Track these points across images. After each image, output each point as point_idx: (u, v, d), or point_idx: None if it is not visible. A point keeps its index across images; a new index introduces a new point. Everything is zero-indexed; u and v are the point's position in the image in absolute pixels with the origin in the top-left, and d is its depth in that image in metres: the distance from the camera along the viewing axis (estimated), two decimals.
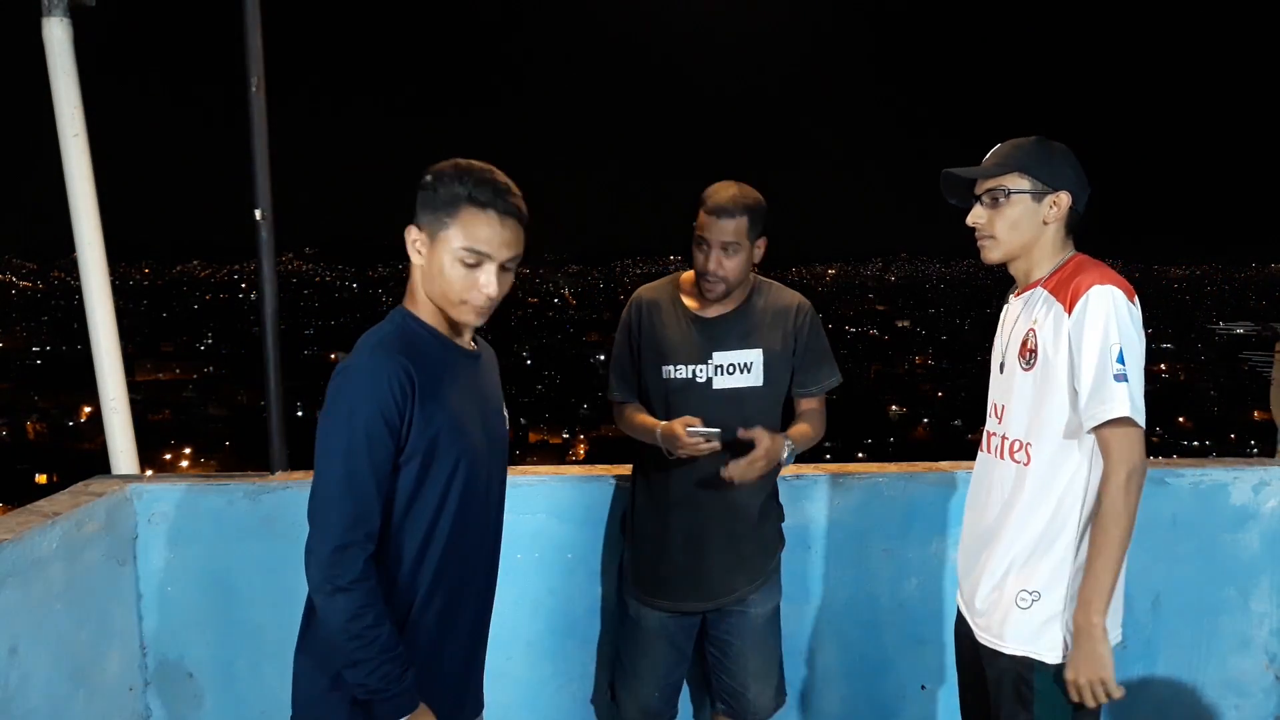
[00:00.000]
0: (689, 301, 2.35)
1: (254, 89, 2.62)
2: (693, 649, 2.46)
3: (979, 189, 1.87)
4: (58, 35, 2.53)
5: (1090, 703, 1.72)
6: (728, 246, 2.20)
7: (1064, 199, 1.81)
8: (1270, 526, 2.76)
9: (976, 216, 1.86)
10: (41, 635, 2.13)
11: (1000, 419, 1.89)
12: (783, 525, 2.47)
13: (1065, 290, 1.76)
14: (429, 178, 1.57)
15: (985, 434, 1.96)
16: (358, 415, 1.49)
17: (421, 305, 1.63)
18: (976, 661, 1.94)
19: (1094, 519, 1.72)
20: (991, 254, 1.87)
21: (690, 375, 2.29)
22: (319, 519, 1.50)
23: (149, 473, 2.72)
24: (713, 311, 2.32)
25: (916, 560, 2.72)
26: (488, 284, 1.56)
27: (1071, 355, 1.73)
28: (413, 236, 1.59)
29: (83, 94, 2.57)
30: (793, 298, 2.37)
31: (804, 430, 2.35)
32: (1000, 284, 2.03)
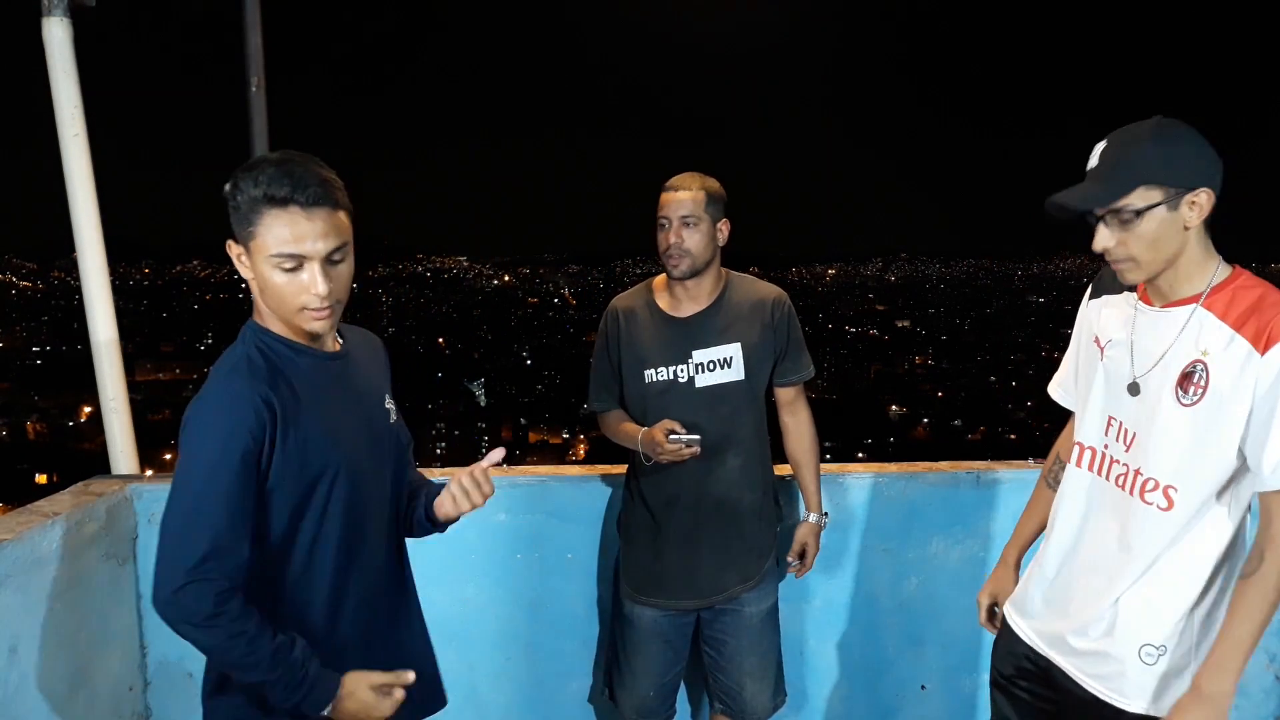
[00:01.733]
0: (663, 304, 2.36)
1: (254, 89, 2.62)
2: (689, 648, 2.46)
3: (1099, 210, 1.59)
4: (58, 35, 2.53)
5: None
6: (687, 220, 2.24)
7: (1205, 197, 1.54)
8: None
9: (1104, 240, 1.58)
10: (41, 635, 2.13)
11: (1129, 447, 1.66)
12: (780, 526, 2.47)
13: (1255, 325, 1.52)
14: (228, 185, 1.43)
15: (1100, 454, 1.73)
16: (214, 452, 1.39)
17: (269, 317, 1.51)
18: (1061, 700, 1.78)
19: (1248, 578, 1.54)
20: (1132, 276, 1.60)
21: (671, 376, 2.30)
22: (163, 556, 1.40)
23: (149, 473, 2.72)
24: (687, 310, 2.33)
25: (916, 560, 2.72)
26: (313, 283, 1.43)
27: (1254, 403, 1.51)
28: (235, 252, 1.46)
29: (83, 94, 2.57)
30: (769, 290, 2.38)
31: (810, 481, 2.46)
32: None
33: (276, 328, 1.52)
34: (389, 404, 1.68)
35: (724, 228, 2.30)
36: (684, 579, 2.34)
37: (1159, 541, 1.61)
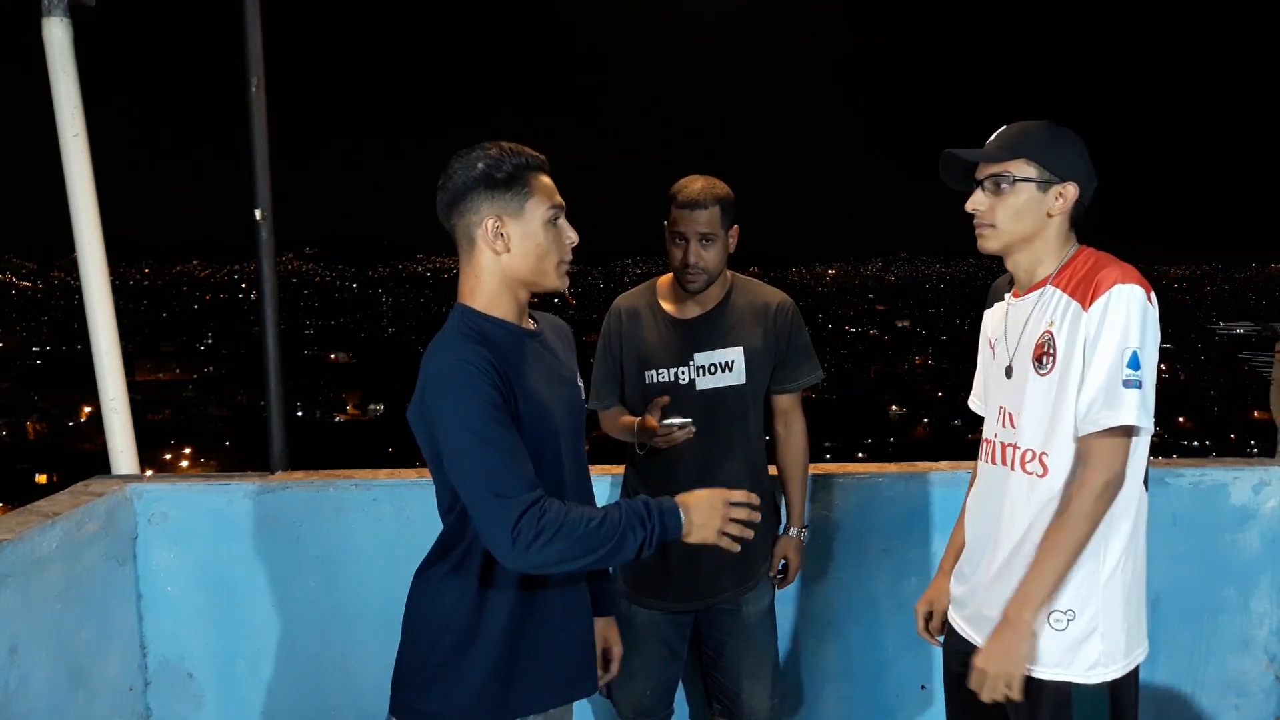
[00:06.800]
0: (666, 305, 2.36)
1: (254, 89, 2.62)
2: (687, 648, 2.46)
3: (981, 173, 1.74)
4: (58, 35, 2.53)
5: (986, 698, 1.65)
6: (704, 237, 2.23)
7: (1071, 190, 1.69)
8: (1270, 526, 2.75)
9: (977, 202, 1.74)
10: (41, 635, 2.13)
11: (1015, 427, 1.75)
12: (780, 528, 2.47)
13: (1084, 287, 1.64)
14: (483, 166, 1.55)
15: (993, 443, 1.82)
16: (474, 414, 1.47)
17: (482, 298, 1.61)
18: None
19: (1056, 517, 1.64)
20: (989, 243, 1.75)
21: (672, 378, 2.30)
22: (488, 513, 1.46)
23: (149, 473, 2.72)
24: (691, 313, 2.33)
25: (916, 560, 2.71)
26: (570, 230, 1.65)
27: (1085, 355, 1.62)
28: (495, 227, 1.56)
29: (83, 94, 2.57)
30: (773, 294, 2.38)
31: (795, 493, 2.43)
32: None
33: (487, 307, 1.61)
34: (579, 381, 1.80)
35: (734, 234, 2.30)
36: (682, 580, 2.34)
37: (1042, 508, 1.68)
